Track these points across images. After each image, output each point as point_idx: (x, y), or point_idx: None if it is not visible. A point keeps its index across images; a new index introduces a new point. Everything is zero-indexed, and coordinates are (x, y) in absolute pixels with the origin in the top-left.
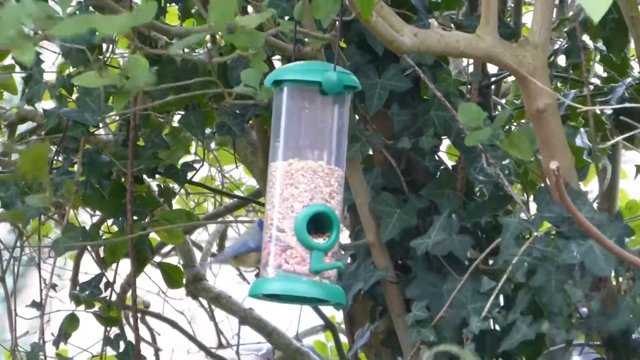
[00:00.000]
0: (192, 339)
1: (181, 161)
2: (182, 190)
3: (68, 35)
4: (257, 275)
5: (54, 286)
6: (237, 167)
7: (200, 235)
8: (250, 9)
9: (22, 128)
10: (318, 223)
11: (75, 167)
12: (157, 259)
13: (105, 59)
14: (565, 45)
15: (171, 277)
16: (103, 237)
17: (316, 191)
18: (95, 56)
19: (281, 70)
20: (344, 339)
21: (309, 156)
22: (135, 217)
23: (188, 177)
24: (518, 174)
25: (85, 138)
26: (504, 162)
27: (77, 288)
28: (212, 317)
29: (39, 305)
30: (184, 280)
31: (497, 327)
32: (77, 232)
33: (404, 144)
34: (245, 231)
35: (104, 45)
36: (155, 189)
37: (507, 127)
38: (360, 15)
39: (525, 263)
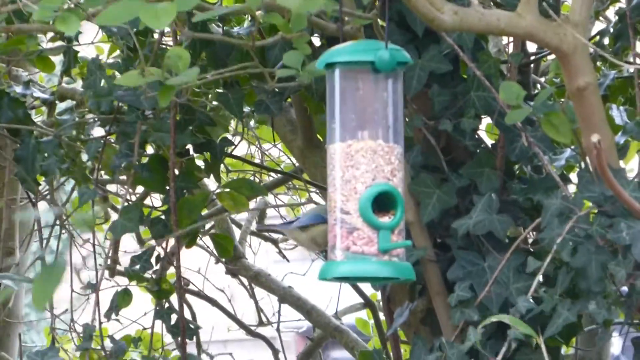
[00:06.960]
0: (232, 317)
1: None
2: (222, 167)
3: (112, 23)
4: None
5: (109, 267)
6: (275, 145)
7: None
8: None
9: (61, 106)
10: (382, 202)
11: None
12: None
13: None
14: (614, 28)
15: (223, 246)
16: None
17: (377, 170)
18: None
19: (332, 52)
20: (383, 317)
21: (367, 136)
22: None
23: (227, 152)
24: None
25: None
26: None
27: (117, 265)
28: (252, 295)
29: (93, 286)
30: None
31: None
32: (135, 214)
33: (445, 126)
34: (315, 207)
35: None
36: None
37: (547, 105)
38: None
39: (570, 243)
